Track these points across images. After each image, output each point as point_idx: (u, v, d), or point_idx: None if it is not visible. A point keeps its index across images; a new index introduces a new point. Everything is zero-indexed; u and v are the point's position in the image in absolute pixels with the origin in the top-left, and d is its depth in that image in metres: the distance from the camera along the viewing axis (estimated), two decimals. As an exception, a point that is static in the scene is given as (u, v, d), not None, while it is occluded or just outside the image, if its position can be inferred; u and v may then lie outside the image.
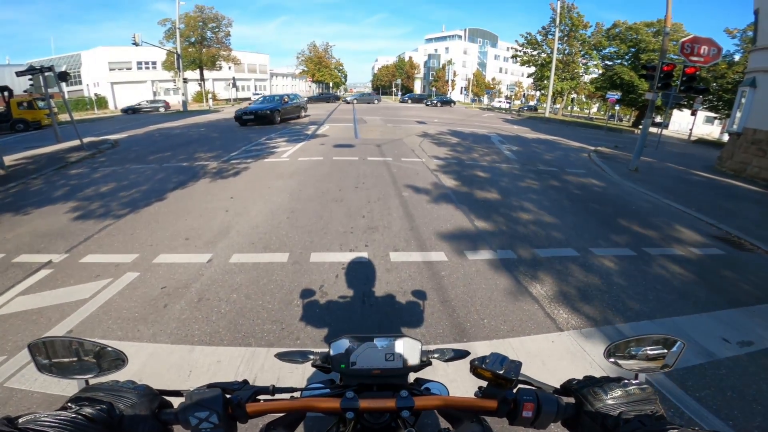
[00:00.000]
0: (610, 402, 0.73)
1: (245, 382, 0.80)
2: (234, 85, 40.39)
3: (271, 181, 7.50)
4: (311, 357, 0.92)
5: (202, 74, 38.88)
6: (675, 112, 33.74)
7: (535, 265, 4.40)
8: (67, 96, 13.01)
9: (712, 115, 33.95)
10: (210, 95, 37.56)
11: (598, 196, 7.76)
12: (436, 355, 0.93)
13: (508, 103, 51.36)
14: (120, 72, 43.55)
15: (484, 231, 5.33)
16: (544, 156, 12.37)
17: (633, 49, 32.86)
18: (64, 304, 3.41)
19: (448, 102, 47.42)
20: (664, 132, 19.44)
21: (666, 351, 0.86)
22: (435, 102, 45.71)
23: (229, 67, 43.78)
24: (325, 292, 3.63)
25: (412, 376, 1.00)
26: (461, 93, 71.76)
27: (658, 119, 24.21)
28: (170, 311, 3.27)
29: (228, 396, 0.73)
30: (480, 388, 0.82)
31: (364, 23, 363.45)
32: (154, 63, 43.11)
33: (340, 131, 15.81)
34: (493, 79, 74.79)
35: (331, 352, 0.85)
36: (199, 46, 36.83)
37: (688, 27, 33.61)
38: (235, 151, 10.87)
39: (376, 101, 44.79)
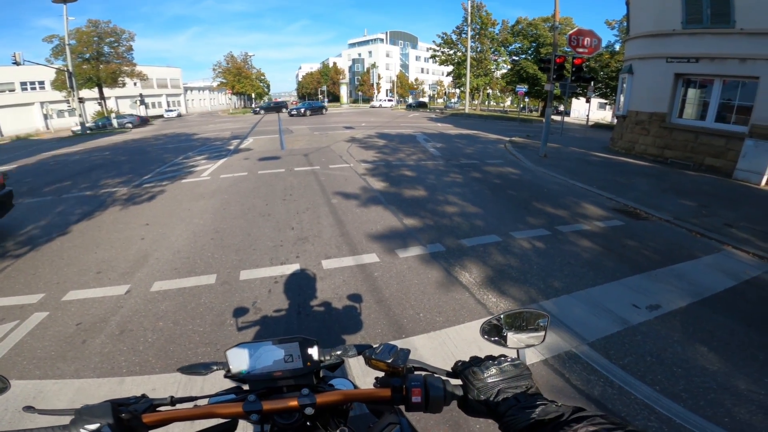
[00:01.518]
0: (489, 380, 0.75)
1: (143, 396, 0.80)
2: (142, 102, 37.40)
3: (191, 203, 7.04)
4: (215, 368, 0.92)
5: (101, 92, 35.36)
6: (573, 100, 37.70)
7: (463, 254, 4.63)
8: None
9: (604, 101, 38.44)
10: (113, 115, 34.20)
11: (514, 183, 8.39)
12: (339, 352, 0.95)
13: (390, 101, 57.72)
14: (1, 95, 38.00)
15: (413, 228, 5.49)
16: (465, 150, 13.09)
17: (534, 44, 35.95)
18: (-31, 351, 2.98)
19: (423, 105, 53.54)
20: (567, 119, 21.63)
21: (536, 325, 0.91)
22: (413, 105, 51.58)
23: (135, 84, 40.38)
24: (258, 308, 3.52)
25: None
26: (386, 95, 73.34)
27: (561, 108, 26.85)
28: (90, 346, 3.05)
29: (121, 408, 0.72)
30: (376, 378, 0.84)
31: (285, 31, 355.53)
32: (42, 83, 38.31)
33: (265, 143, 15.32)
34: (416, 79, 77.45)
35: (229, 360, 0.85)
36: (96, 63, 33.50)
37: (577, 20, 37.55)
38: (148, 174, 10.02)
39: (324, 111, 38.57)
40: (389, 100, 59.79)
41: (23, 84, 39.07)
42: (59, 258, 4.84)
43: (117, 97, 42.83)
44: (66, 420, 0.71)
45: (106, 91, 36.57)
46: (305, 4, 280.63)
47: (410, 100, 61.16)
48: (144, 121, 34.40)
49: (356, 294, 3.73)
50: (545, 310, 3.47)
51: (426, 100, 62.04)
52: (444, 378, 0.81)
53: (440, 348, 2.97)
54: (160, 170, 10.48)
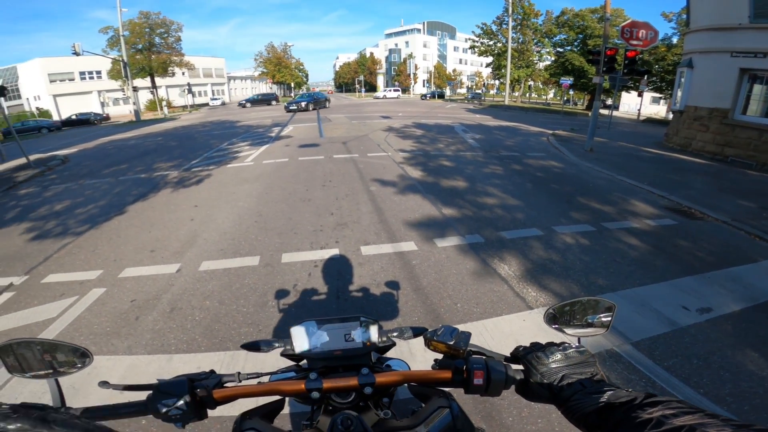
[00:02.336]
0: (553, 366, 0.75)
1: (212, 371, 0.82)
2: (190, 91, 38.91)
3: (236, 187, 7.35)
4: (276, 345, 0.93)
5: (153, 81, 37.17)
6: (623, 94, 35.57)
7: (502, 246, 4.57)
8: (6, 112, 12.12)
9: (658, 95, 35.99)
10: (164, 103, 35.98)
11: (557, 176, 8.11)
12: (395, 334, 0.96)
13: (396, 90, 57.38)
14: (62, 83, 40.94)
15: (451, 218, 5.47)
16: (505, 142, 12.75)
17: (581, 36, 34.09)
18: (32, 324, 3.29)
19: (441, 95, 52.96)
20: (615, 113, 20.49)
21: (601, 314, 0.89)
22: (427, 96, 51.01)
23: (183, 73, 42.10)
24: (299, 291, 3.63)
25: (385, 357, 1.04)
26: (423, 86, 72.47)
27: (609, 102, 25.46)
28: (143, 323, 3.21)
29: (195, 383, 0.75)
30: (435, 360, 0.85)
31: (323, 21, 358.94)
32: (99, 72, 40.88)
33: (305, 131, 15.63)
34: (454, 70, 75.97)
35: (292, 337, 0.87)
36: (148, 53, 35.16)
37: (628, 12, 35.32)
38: (196, 158, 10.54)
39: (327, 104, 32.14)
40: (395, 90, 58.31)
41: (82, 73, 41.96)
42: (117, 236, 5.19)
43: (167, 86, 44.87)
44: (143, 395, 0.74)
45: (158, 80, 38.22)
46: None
47: (447, 91, 60.10)
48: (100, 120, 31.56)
49: (394, 281, 3.76)
50: (602, 299, 3.37)
51: (447, 91, 60.48)
52: (504, 362, 0.82)
53: (477, 339, 2.96)
54: (207, 155, 10.99)
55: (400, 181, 7.36)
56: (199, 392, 0.74)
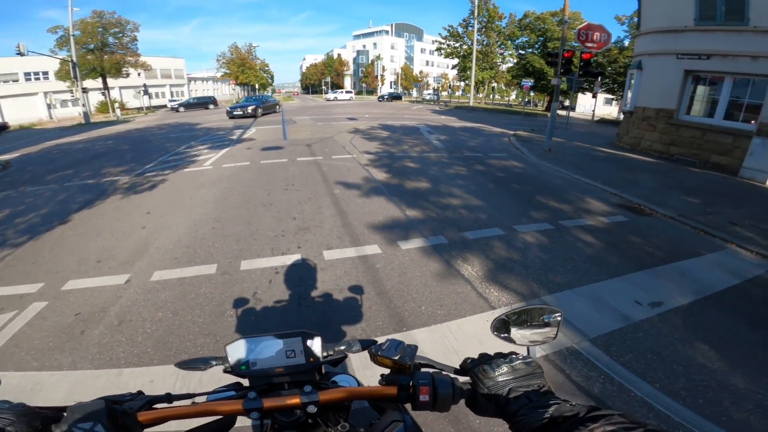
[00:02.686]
0: (500, 379, 0.72)
1: (139, 392, 0.78)
2: (146, 92, 37.15)
3: (192, 192, 7.02)
4: (214, 363, 0.89)
5: (105, 82, 35.26)
6: (579, 95, 37.32)
7: (465, 247, 4.60)
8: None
9: (610, 96, 38.01)
10: (117, 104, 34.11)
11: (518, 176, 8.33)
12: (342, 347, 0.92)
13: (348, 92, 54.68)
14: (5, 85, 37.94)
15: (415, 220, 5.46)
16: (469, 143, 13.00)
17: (541, 38, 35.45)
18: (-34, 342, 2.99)
19: (398, 96, 50.91)
20: (572, 114, 21.43)
21: (548, 322, 0.89)
22: (385, 97, 49.32)
23: (139, 74, 40.19)
24: (259, 298, 3.51)
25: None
26: (391, 87, 72.89)
27: (567, 103, 26.60)
28: (89, 337, 3.04)
29: (116, 406, 0.70)
30: (382, 375, 0.82)
31: (290, 22, 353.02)
32: (46, 73, 38.22)
33: (268, 134, 15.26)
34: (421, 72, 76.87)
35: (228, 356, 0.83)
36: (100, 53, 33.41)
37: (585, 15, 36.94)
38: (150, 162, 10.00)
39: (278, 108, 27.64)
40: (347, 92, 54.30)
41: (27, 74, 39.02)
42: (59, 246, 4.83)
43: (121, 87, 42.74)
44: (57, 417, 0.69)
45: (110, 81, 36.42)
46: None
47: (414, 92, 60.55)
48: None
49: (357, 285, 3.71)
50: (548, 305, 3.45)
51: (414, 92, 60.56)
52: (452, 376, 0.79)
53: (441, 341, 2.95)
54: (163, 159, 10.47)
55: (365, 184, 7.29)
56: (120, 414, 0.69)
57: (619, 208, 6.39)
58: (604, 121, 27.70)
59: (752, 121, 9.64)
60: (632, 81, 13.09)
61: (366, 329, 3.08)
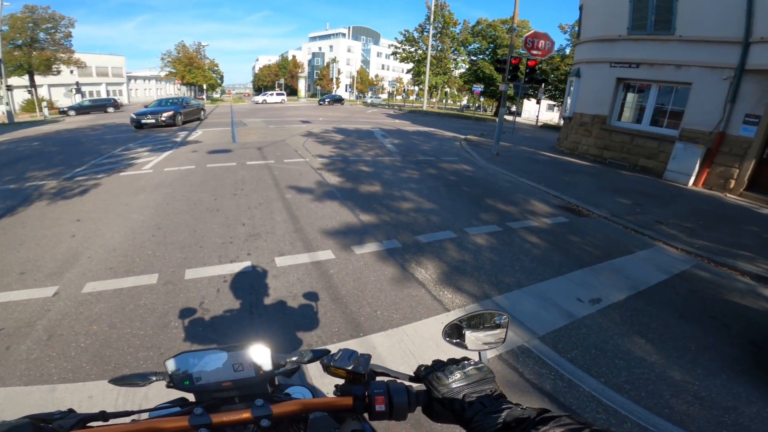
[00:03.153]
0: (454, 386, 0.74)
1: (70, 410, 0.73)
2: (78, 91, 34.30)
3: (129, 197, 6.52)
4: (154, 378, 0.84)
5: (32, 80, 32.18)
6: (525, 101, 39.43)
7: (419, 251, 4.65)
8: None
9: (552, 102, 40.55)
10: (45, 103, 31.15)
11: (468, 180, 8.59)
12: (294, 358, 0.89)
13: (279, 95, 48.35)
14: None
15: (369, 224, 5.44)
16: (422, 147, 13.24)
17: (492, 45, 37.04)
18: None
19: (339, 100, 46.71)
20: (518, 119, 22.55)
21: (497, 325, 0.91)
22: (326, 100, 44.60)
23: (71, 71, 37.04)
24: (206, 308, 3.33)
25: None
26: (346, 90, 72.65)
27: (513, 108, 27.97)
28: (15, 353, 2.79)
29: (43, 425, 0.65)
30: (336, 386, 0.80)
31: (244, 21, 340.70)
32: (-34, 70, 34.16)
33: (216, 136, 14.57)
34: (377, 76, 77.36)
35: (169, 371, 0.77)
36: (29, 49, 30.56)
37: (533, 23, 39.15)
38: (81, 166, 9.17)
39: (203, 114, 21.82)
40: (278, 94, 48.85)
41: (-56, 71, 34.64)
42: (-26, 259, 4.29)
43: (50, 85, 39.18)
44: None
45: (39, 79, 33.34)
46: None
47: (369, 96, 60.43)
48: None
49: (312, 292, 3.63)
50: (498, 306, 3.56)
51: (345, 95, 58.80)
52: (407, 384, 0.78)
53: (398, 345, 2.95)
54: (96, 162, 9.64)
55: (318, 188, 7.17)
56: None
57: (560, 209, 6.78)
58: (547, 126, 29.46)
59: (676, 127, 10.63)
60: (572, 88, 13.87)
61: (322, 336, 3.02)
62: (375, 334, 3.07)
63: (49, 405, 2.33)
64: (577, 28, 16.11)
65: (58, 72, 33.72)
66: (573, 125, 13.74)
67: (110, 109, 33.47)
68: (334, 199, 6.54)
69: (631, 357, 2.99)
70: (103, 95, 48.85)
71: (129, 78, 57.09)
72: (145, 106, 20.29)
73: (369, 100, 55.55)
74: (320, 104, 43.07)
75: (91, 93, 45.68)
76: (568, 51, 34.02)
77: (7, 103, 25.84)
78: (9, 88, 25.72)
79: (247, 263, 4.15)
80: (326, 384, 2.34)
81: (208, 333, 3.04)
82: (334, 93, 55.23)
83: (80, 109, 31.66)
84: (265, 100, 46.17)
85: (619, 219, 6.34)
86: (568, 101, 14.18)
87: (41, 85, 35.11)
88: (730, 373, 2.90)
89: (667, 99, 11.04)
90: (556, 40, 12.92)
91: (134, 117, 17.59)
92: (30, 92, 32.85)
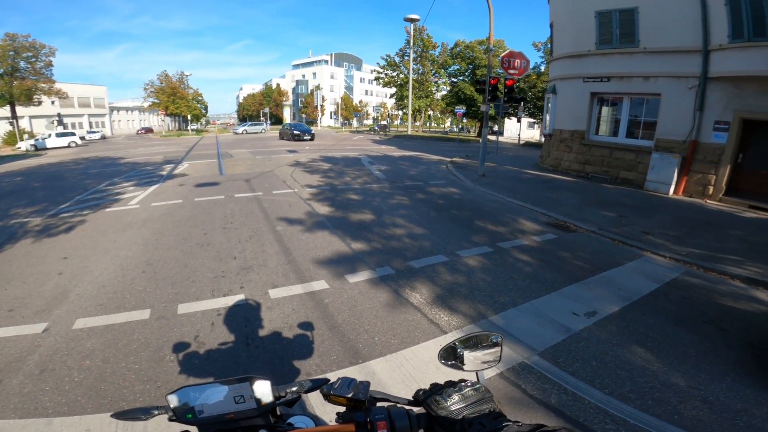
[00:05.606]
0: (453, 408, 0.75)
1: None
2: (60, 123, 34.05)
3: (117, 234, 6.41)
4: (156, 412, 0.84)
5: (13, 111, 31.82)
6: (506, 120, 40.46)
7: (412, 276, 4.66)
8: None
9: (533, 120, 41.68)
10: (26, 135, 30.78)
11: (457, 203, 8.71)
12: (294, 388, 0.91)
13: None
14: None
15: (361, 252, 5.45)
16: (409, 172, 13.42)
17: (471, 66, 37.99)
18: None
19: (304, 132, 29.52)
20: (501, 139, 23.13)
21: (491, 345, 0.93)
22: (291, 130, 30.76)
23: (53, 102, 36.88)
24: (201, 342, 3.29)
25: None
26: (331, 117, 73.64)
27: (496, 128, 28.67)
28: (7, 386, 2.79)
29: None
30: (338, 414, 0.82)
31: (227, 50, 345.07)
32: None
33: (202, 169, 14.55)
34: (361, 101, 78.70)
35: (171, 405, 0.79)
36: (9, 79, 30.30)
37: (508, 43, 40.42)
38: (66, 202, 9.03)
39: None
40: (257, 125, 48.19)
41: None
42: (-40, 299, 4.18)
43: (31, 117, 38.82)
44: None
45: (21, 110, 33.03)
46: (248, 24, 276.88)
47: (354, 122, 60.64)
48: None
49: (307, 322, 3.61)
50: (494, 325, 3.58)
51: (355, 122, 58.16)
52: (407, 408, 0.80)
53: (398, 370, 2.94)
54: (81, 198, 9.50)
55: (308, 219, 7.17)
56: None
57: (548, 226, 6.91)
58: (529, 144, 30.20)
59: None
60: (549, 105, 14.17)
61: (320, 365, 2.99)
62: (374, 360, 3.06)
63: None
64: (549, 45, 16.70)
65: (39, 103, 33.51)
66: (554, 142, 14.06)
67: (73, 144, 30.82)
68: (325, 228, 6.55)
69: (633, 366, 3.02)
70: (86, 126, 48.58)
71: (111, 109, 56.97)
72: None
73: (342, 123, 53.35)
74: (290, 139, 29.18)
75: (73, 125, 45.44)
76: (543, 68, 35.20)
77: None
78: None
79: (241, 296, 4.11)
80: (327, 412, 2.32)
81: (206, 366, 3.00)
82: (295, 122, 43.70)
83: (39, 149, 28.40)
84: (245, 130, 45.89)
85: (606, 232, 6.49)
86: (547, 118, 14.45)
87: (22, 117, 34.85)
88: (734, 375, 2.94)
89: (639, 110, 11.40)
90: (530, 58, 13.35)
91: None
92: (11, 123, 32.45)
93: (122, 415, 0.85)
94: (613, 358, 3.11)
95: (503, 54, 12.96)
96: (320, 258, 5.20)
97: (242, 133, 44.00)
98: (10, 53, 30.40)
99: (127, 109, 63.85)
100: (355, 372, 2.91)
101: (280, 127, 38.25)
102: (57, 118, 34.15)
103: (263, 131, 46.28)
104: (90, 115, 51.13)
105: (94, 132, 45.80)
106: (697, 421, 2.48)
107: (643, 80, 10.75)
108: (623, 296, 4.24)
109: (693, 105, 9.60)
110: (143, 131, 54.60)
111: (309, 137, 28.53)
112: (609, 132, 12.38)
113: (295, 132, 28.83)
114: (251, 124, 49.45)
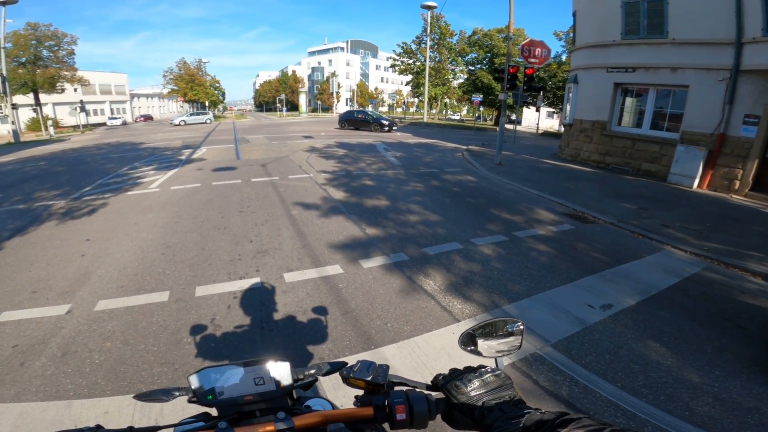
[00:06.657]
0: (473, 393, 0.75)
1: (98, 426, 0.74)
2: (83, 109, 34.72)
3: (137, 216, 6.59)
4: (177, 394, 0.85)
5: (37, 98, 32.70)
6: (525, 109, 39.62)
7: (426, 263, 4.66)
8: None
9: (552, 110, 40.72)
10: (50, 122, 31.62)
11: (472, 190, 8.63)
12: (312, 371, 0.91)
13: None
14: None
15: (375, 238, 5.47)
16: (424, 159, 13.32)
17: (489, 54, 37.31)
18: None
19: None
20: (519, 128, 22.67)
21: (512, 333, 0.92)
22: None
23: (75, 89, 37.68)
24: (218, 324, 3.35)
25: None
26: (347, 104, 73.30)
27: (513, 117, 28.12)
28: (30, 369, 2.84)
29: None
30: (356, 397, 0.82)
31: (243, 38, 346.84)
32: (-32, 88, 34.84)
33: (220, 153, 14.75)
34: (376, 89, 78.00)
35: (192, 386, 0.79)
36: (33, 67, 31.06)
37: (528, 31, 39.32)
38: (89, 186, 9.29)
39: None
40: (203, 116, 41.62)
41: (-54, 89, 35.36)
42: (-11, 278, 4.36)
43: (55, 104, 39.80)
44: None
45: (44, 97, 33.89)
46: (264, 11, 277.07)
47: (369, 109, 60.09)
48: None
49: (321, 306, 3.65)
50: (508, 314, 3.56)
51: (346, 108, 57.36)
52: (426, 392, 0.80)
53: (410, 357, 2.96)
54: (102, 182, 9.76)
55: (323, 204, 7.22)
56: None
57: (566, 216, 6.79)
58: (547, 134, 29.53)
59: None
60: (570, 94, 13.89)
61: (333, 349, 3.03)
62: (386, 347, 3.08)
63: (66, 421, 2.36)
64: (571, 35, 16.23)
65: (62, 90, 34.36)
66: (574, 132, 13.77)
67: (208, 121, 27.35)
68: (340, 213, 6.58)
69: (647, 361, 2.97)
70: (108, 113, 49.58)
71: (132, 96, 57.97)
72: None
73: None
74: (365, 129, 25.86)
75: (95, 112, 46.45)
76: (564, 58, 34.29)
77: (13, 122, 26.21)
78: (14, 106, 26.08)
79: (256, 279, 4.18)
80: (339, 397, 2.37)
81: (221, 348, 3.07)
82: (363, 108, 41.32)
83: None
84: (183, 121, 39.86)
85: (625, 224, 6.34)
86: (568, 108, 14.21)
87: (46, 104, 35.73)
88: (749, 373, 2.88)
89: (665, 102, 11.06)
90: (551, 48, 13.00)
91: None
92: (35, 111, 33.38)
93: (144, 397, 0.86)
94: (627, 352, 3.07)
95: (524, 42, 12.64)
96: (335, 243, 5.24)
97: (180, 124, 38.65)
98: (32, 42, 31.10)
99: (147, 95, 64.89)
100: (367, 357, 2.93)
101: (296, 113, 37.29)
102: (80, 105, 34.84)
103: (208, 121, 40.89)
104: (111, 102, 52.15)
105: (115, 118, 46.75)
106: (707, 417, 2.44)
107: (671, 71, 10.39)
108: (641, 290, 4.15)
109: (722, 98, 9.24)
110: (142, 119, 54.06)
111: (388, 128, 24.59)
112: (632, 123, 12.06)
113: (383, 122, 24.92)
114: (193, 114, 43.45)
